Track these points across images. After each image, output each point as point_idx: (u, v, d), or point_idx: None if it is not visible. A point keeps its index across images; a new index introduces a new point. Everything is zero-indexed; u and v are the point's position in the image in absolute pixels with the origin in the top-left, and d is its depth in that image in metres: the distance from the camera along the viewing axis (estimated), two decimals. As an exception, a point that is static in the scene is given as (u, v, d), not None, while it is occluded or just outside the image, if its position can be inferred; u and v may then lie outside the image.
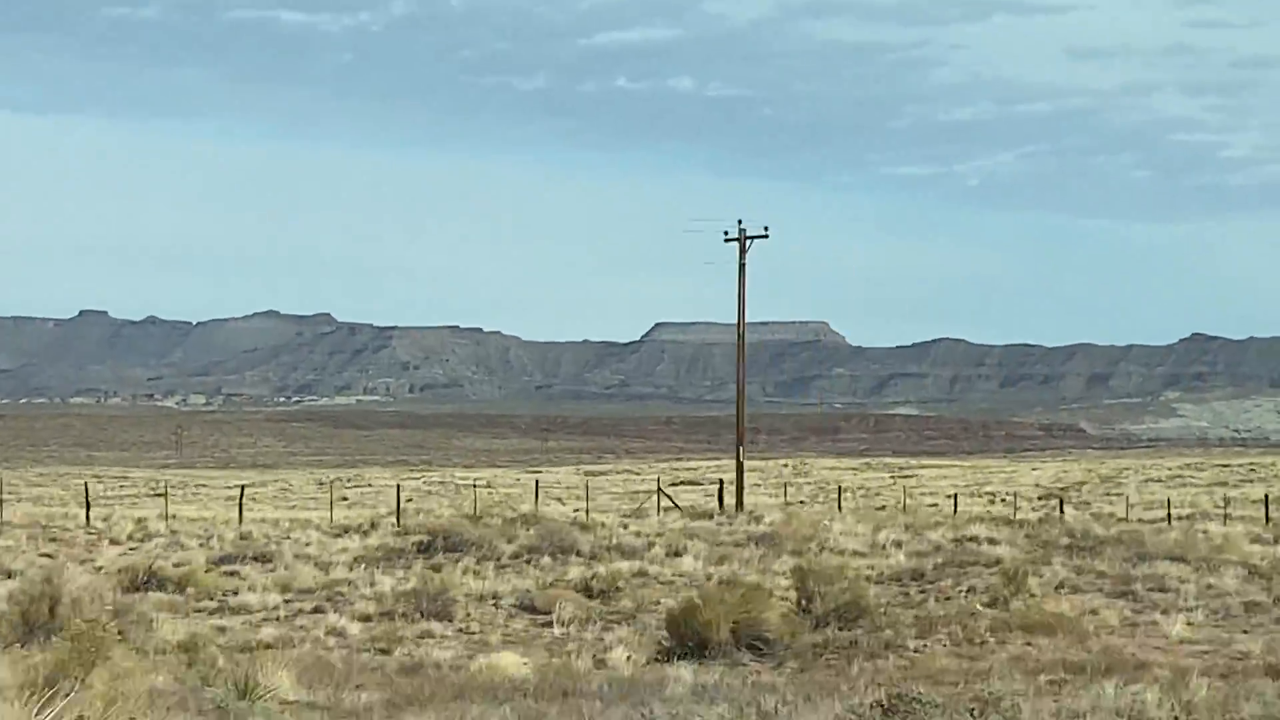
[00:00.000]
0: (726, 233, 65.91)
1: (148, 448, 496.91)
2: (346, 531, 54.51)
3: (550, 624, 37.01)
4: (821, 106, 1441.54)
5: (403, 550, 47.09)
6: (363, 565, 44.80)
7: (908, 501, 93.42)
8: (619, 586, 39.96)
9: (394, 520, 58.75)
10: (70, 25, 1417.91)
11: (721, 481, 76.00)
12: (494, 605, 38.83)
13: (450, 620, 37.02)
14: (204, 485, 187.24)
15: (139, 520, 57.66)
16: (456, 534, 47.22)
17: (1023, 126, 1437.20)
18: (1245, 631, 34.87)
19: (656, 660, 32.88)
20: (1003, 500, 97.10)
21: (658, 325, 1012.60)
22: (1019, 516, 71.10)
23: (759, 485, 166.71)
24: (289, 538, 52.69)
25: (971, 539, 47.75)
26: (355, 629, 35.47)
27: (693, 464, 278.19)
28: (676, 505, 69.08)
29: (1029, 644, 32.28)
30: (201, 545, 50.71)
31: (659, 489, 70.27)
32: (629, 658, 32.21)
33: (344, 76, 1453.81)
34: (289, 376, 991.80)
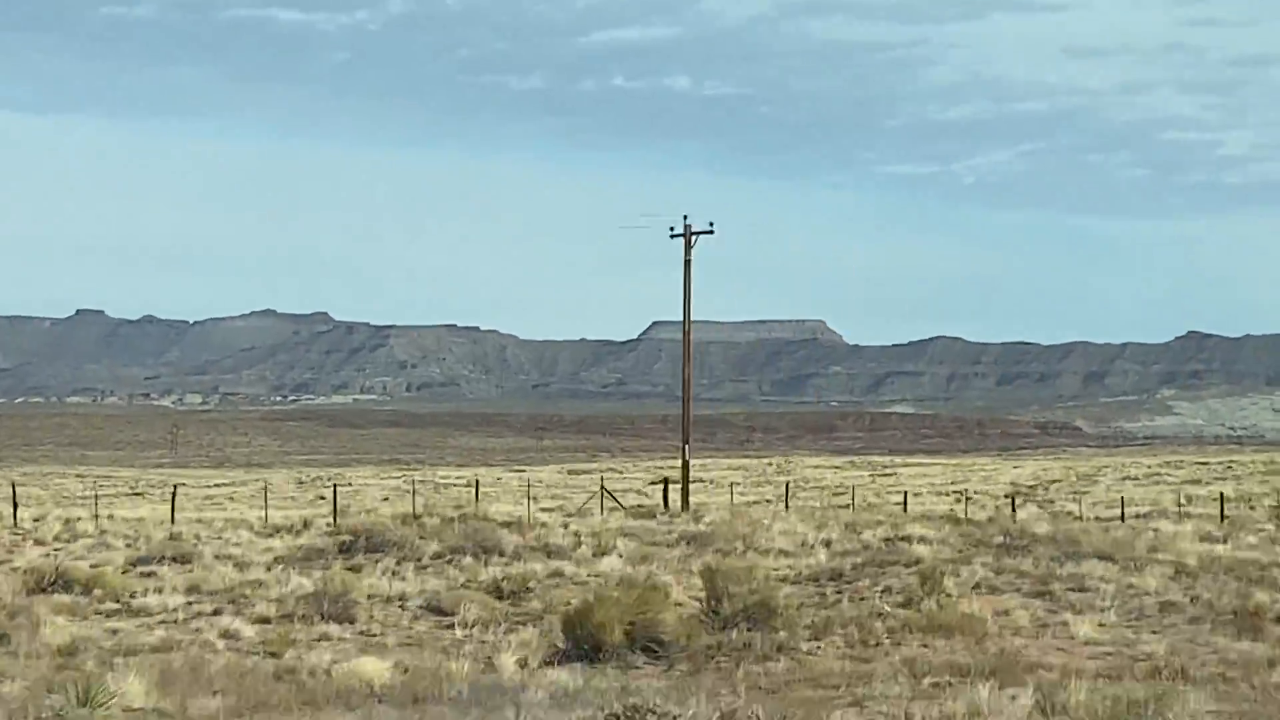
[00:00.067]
0: (672, 228, 65.23)
1: (142, 447, 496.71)
2: (279, 531, 53.91)
3: (453, 626, 36.37)
4: (818, 105, 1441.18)
5: (324, 550, 46.46)
6: (280, 566, 44.18)
7: (874, 500, 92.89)
8: (529, 587, 39.31)
9: (331, 520, 58.10)
10: (66, 24, 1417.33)
11: (666, 480, 75.27)
12: (400, 607, 38.16)
13: (353, 622, 36.36)
14: (184, 484, 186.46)
15: (68, 521, 56.98)
16: (379, 534, 46.58)
17: (1019, 125, 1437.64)
18: (1155, 632, 34.23)
19: (550, 663, 32.27)
20: (969, 499, 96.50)
21: (655, 324, 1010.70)
22: (970, 515, 70.51)
23: (739, 484, 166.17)
24: (219, 538, 52.12)
25: (904, 538, 47.10)
26: (250, 631, 34.80)
27: (695, 461, 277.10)
28: (620, 504, 68.41)
29: (925, 646, 31.65)
30: (129, 546, 50.11)
31: (601, 488, 69.60)
32: (518, 661, 31.56)
33: (341, 75, 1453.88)
34: (286, 375, 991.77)
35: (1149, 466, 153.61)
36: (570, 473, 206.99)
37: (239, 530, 53.68)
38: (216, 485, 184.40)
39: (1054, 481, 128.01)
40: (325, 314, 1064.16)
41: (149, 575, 42.96)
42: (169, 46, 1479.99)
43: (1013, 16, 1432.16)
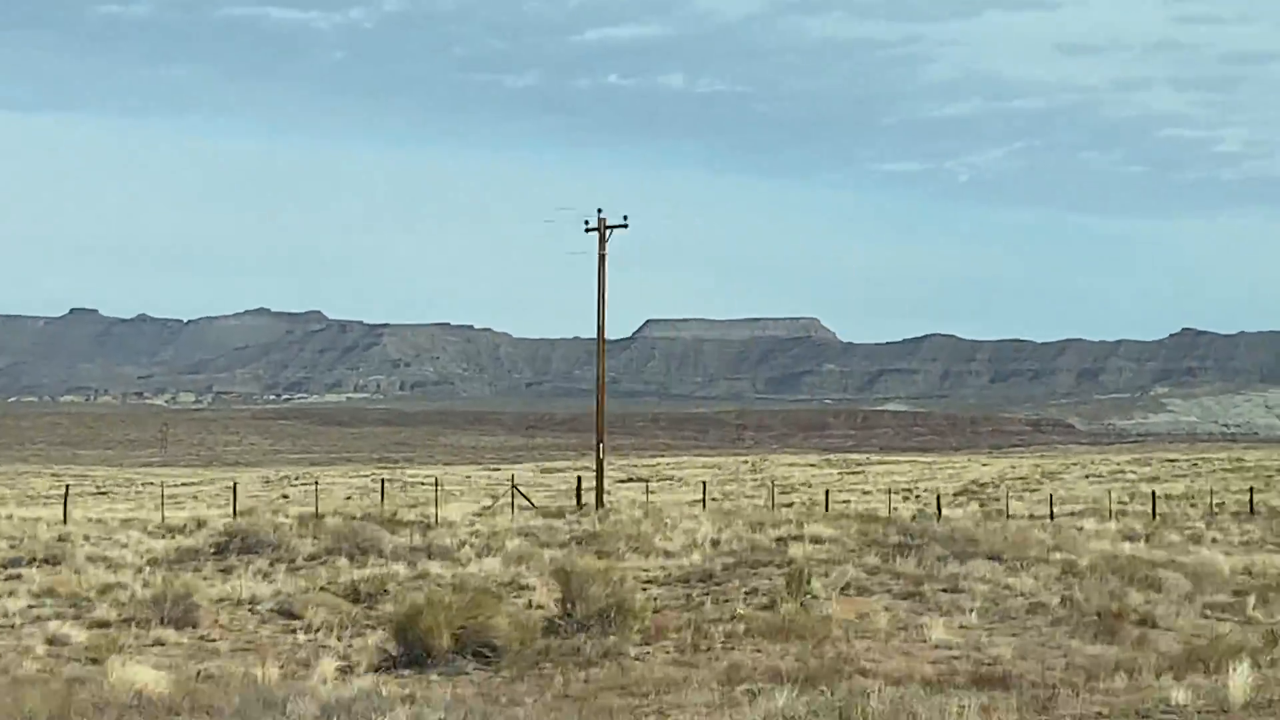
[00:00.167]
0: (587, 222, 64.03)
1: (134, 446, 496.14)
2: (171, 532, 52.82)
3: (303, 631, 35.30)
4: (813, 103, 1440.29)
5: (199, 551, 45.38)
6: (149, 568, 43.08)
7: (822, 499, 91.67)
8: (387, 590, 38.22)
9: (232, 519, 56.94)
10: (62, 22, 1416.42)
11: (579, 478, 74.15)
12: (251, 610, 37.07)
13: (195, 627, 35.27)
14: (150, 484, 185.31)
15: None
16: (254, 534, 45.49)
17: (1013, 122, 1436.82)
18: (1014, 635, 33.18)
19: (378, 669, 31.22)
20: (919, 497, 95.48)
21: (648, 322, 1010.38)
22: (908, 513, 69.52)
23: (708, 482, 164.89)
24: (109, 539, 51.00)
25: (797, 538, 46.02)
26: (82, 637, 33.68)
27: (667, 459, 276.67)
28: (531, 503, 67.31)
29: (758, 650, 30.54)
30: (13, 548, 48.95)
31: (513, 487, 68.57)
32: (340, 668, 30.49)
33: (336, 74, 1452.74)
34: (280, 374, 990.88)
35: (1117, 464, 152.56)
36: (544, 471, 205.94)
37: (130, 531, 52.52)
38: (184, 484, 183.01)
39: (1018, 479, 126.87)
40: (319, 312, 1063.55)
41: (14, 578, 41.85)
42: (164, 45, 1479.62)
43: (1007, 14, 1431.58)
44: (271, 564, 43.32)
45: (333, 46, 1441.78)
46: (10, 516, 63.04)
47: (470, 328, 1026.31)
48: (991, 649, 31.45)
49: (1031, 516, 69.52)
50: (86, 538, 51.34)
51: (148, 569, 43.01)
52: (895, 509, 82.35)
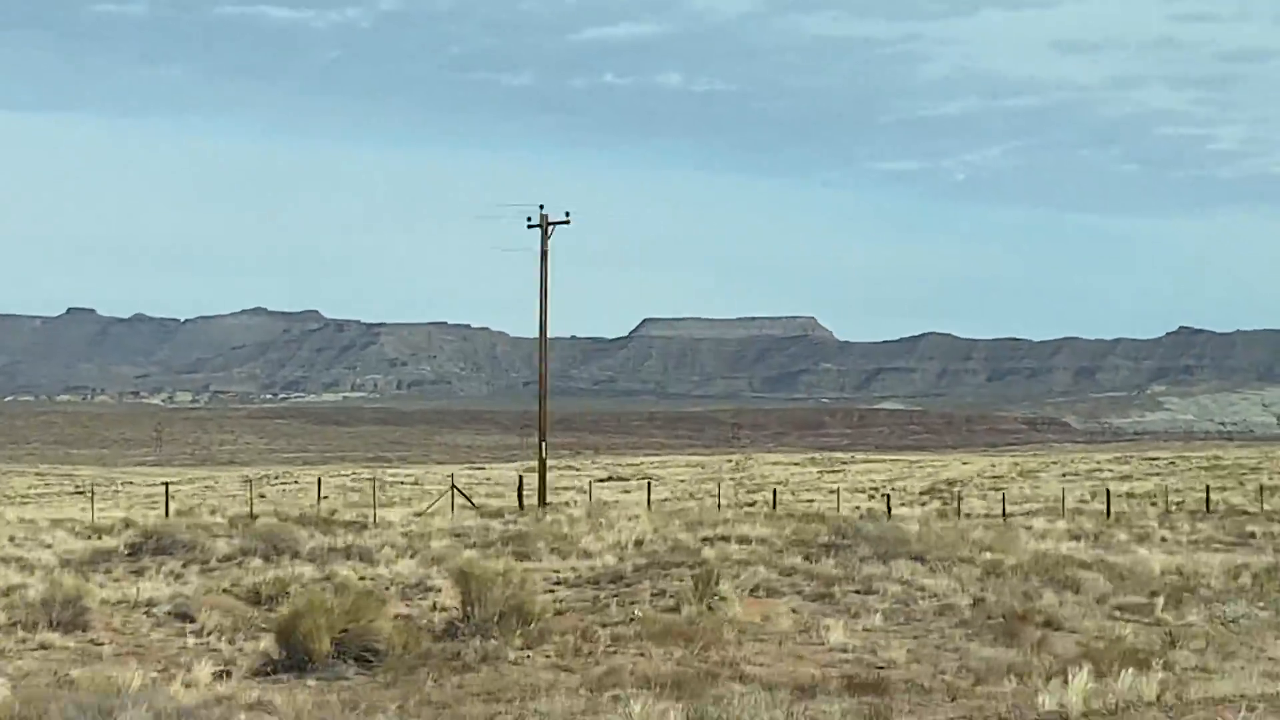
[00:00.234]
0: (530, 219, 63.33)
1: (128, 445, 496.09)
2: (98, 533, 52.07)
3: (195, 634, 34.56)
4: (810, 102, 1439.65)
5: (112, 553, 44.62)
6: (60, 569, 42.31)
7: (788, 498, 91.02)
8: (288, 591, 37.44)
9: (164, 518, 56.23)
10: (58, 22, 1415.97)
11: (521, 478, 73.42)
12: (146, 613, 36.29)
13: (85, 630, 34.50)
14: (130, 483, 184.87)
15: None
16: (169, 535, 44.76)
17: (1010, 120, 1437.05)
18: (915, 637, 32.41)
19: (259, 674, 30.48)
20: (883, 496, 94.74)
21: (645, 321, 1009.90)
22: (860, 513, 68.79)
23: (684, 481, 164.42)
24: (34, 539, 50.26)
25: (724, 538, 45.26)
26: (-37, 641, 32.93)
27: (654, 459, 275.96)
28: (472, 504, 66.59)
29: (641, 654, 29.77)
30: (-66, 548, 48.22)
31: (453, 487, 67.83)
32: (215, 673, 29.75)
33: (332, 73, 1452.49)
34: (276, 373, 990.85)
35: (1097, 462, 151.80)
36: (527, 470, 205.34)
37: (57, 531, 51.81)
38: (164, 484, 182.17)
39: (992, 477, 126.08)
40: (316, 312, 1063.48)
41: (-77, 580, 41.11)
42: (160, 44, 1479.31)
43: (1003, 12, 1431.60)
44: (184, 565, 42.58)
45: (329, 46, 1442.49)
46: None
47: (467, 327, 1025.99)
48: (887, 652, 30.69)
49: (987, 515, 68.77)
50: (11, 538, 50.64)
51: (58, 570, 42.27)
52: (857, 508, 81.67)
